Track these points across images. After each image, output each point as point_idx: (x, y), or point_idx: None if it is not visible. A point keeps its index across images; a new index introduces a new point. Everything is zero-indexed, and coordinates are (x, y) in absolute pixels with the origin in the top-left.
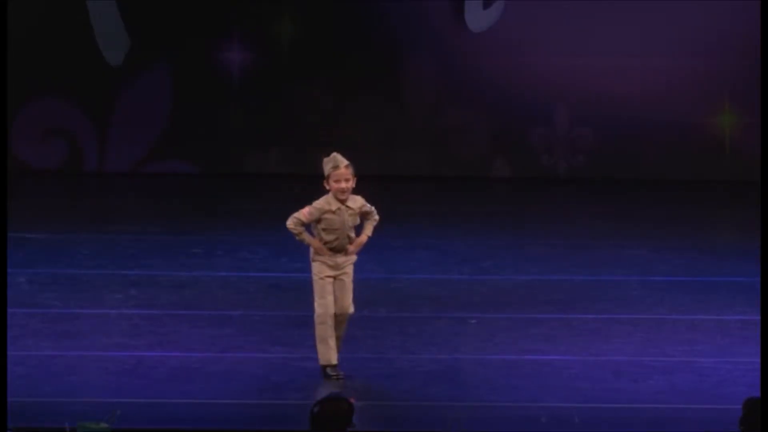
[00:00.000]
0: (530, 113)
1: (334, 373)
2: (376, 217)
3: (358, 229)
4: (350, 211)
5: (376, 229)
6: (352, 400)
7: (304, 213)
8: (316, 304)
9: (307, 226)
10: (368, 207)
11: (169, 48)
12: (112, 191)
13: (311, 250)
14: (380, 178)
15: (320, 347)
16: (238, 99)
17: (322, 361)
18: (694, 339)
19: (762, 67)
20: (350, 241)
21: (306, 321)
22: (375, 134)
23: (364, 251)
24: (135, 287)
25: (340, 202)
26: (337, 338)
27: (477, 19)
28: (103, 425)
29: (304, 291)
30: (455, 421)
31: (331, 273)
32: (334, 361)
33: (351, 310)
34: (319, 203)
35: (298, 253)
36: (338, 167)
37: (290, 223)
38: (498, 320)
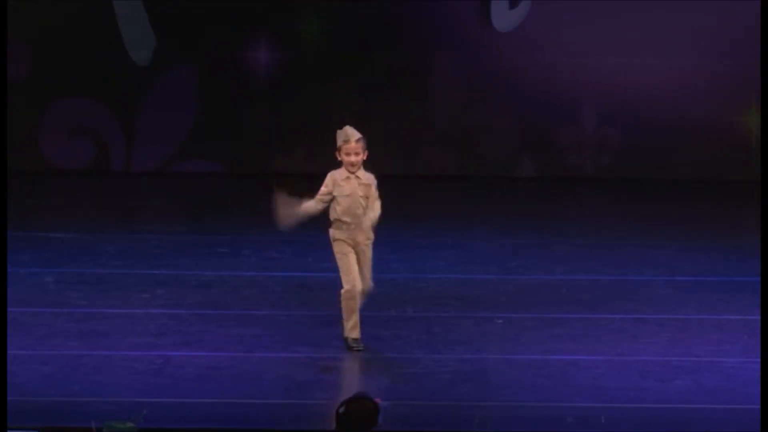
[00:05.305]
0: (557, 113)
1: (356, 345)
2: (379, 212)
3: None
4: (360, 181)
5: (402, 228)
6: (378, 400)
7: (321, 189)
8: (343, 281)
9: (330, 199)
10: (376, 193)
11: (196, 47)
12: (138, 191)
13: (330, 231)
14: (406, 177)
15: (347, 323)
16: (265, 98)
17: (347, 334)
18: (720, 339)
19: (762, 67)
20: (364, 213)
21: (332, 321)
22: (401, 134)
23: (391, 252)
24: (161, 287)
25: (350, 173)
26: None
27: (503, 18)
28: (130, 425)
29: (331, 290)
30: (481, 421)
31: (351, 250)
32: (358, 336)
33: (370, 285)
34: (332, 173)
35: (324, 253)
36: (349, 141)
37: (315, 202)
38: (524, 320)
